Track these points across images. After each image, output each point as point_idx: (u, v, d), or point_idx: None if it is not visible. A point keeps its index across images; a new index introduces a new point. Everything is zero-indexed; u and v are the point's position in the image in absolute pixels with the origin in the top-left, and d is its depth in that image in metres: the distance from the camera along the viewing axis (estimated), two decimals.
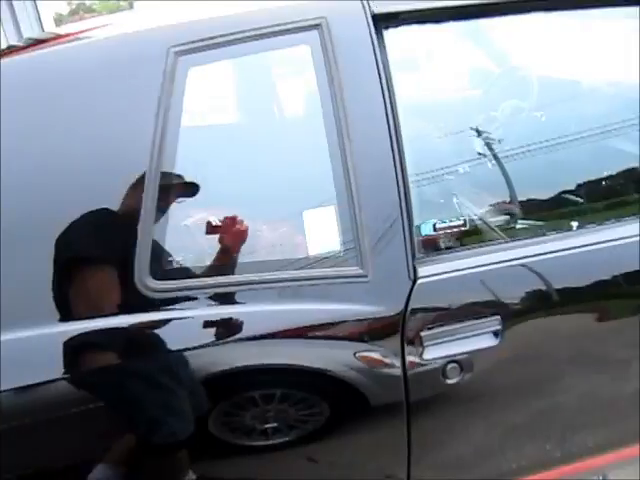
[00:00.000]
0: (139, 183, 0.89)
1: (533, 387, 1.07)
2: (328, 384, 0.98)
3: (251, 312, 0.91)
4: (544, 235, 1.07)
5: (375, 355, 0.99)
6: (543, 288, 1.03)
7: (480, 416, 1.07)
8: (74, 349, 0.88)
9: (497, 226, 1.09)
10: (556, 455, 1.17)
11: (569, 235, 1.08)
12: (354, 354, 0.98)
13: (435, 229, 1.04)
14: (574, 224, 1.12)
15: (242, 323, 0.91)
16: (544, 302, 1.03)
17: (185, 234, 0.96)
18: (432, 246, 1.04)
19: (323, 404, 1.00)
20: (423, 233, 1.03)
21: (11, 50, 1.03)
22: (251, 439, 0.98)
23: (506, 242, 1.06)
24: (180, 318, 0.91)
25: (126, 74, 0.93)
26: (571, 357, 1.07)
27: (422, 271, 0.99)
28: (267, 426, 0.96)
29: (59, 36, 1.06)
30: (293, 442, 1.00)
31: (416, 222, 1.02)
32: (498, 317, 1.00)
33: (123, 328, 0.88)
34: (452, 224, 1.04)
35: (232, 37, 0.93)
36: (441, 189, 1.10)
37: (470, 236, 1.06)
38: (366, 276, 0.96)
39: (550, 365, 1.06)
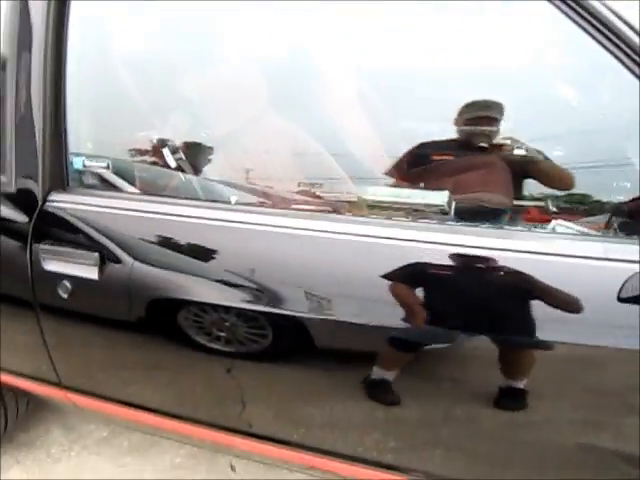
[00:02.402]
0: None
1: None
2: None
3: None
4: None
5: (11, 255, 1.20)
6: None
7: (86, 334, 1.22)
8: None
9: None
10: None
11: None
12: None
13: (84, 165, 1.16)
14: (233, 199, 1.12)
15: None
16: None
17: None
18: (82, 179, 1.18)
19: None
20: (75, 167, 1.17)
21: None
22: None
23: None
24: None
25: None
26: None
27: (55, 197, 1.15)
28: None
29: None
30: None
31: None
32: (97, 254, 1.11)
33: None
34: (96, 164, 1.15)
35: None
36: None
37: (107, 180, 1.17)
38: (11, 186, 1.17)
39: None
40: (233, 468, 1.73)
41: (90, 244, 1.12)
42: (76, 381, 1.30)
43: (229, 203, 1.10)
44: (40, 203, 1.15)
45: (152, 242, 1.07)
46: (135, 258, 1.09)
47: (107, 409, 1.30)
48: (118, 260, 1.10)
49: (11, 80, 1.13)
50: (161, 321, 1.13)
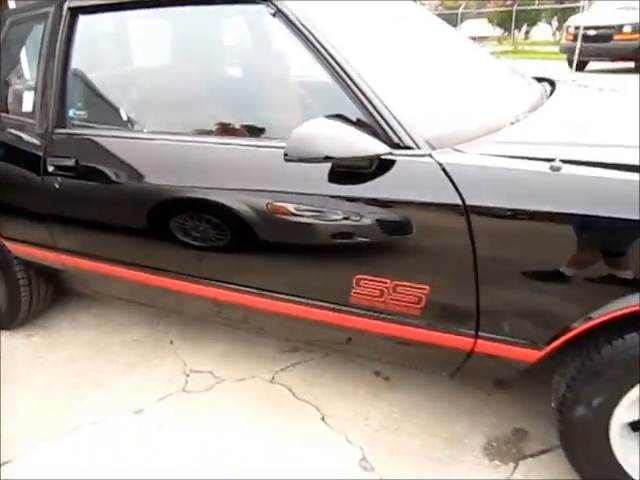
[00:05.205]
0: None
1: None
2: None
3: None
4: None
5: (33, 162, 2.13)
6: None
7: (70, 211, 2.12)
8: None
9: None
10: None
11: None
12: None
13: (74, 114, 2.10)
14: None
15: None
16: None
17: None
18: (73, 122, 2.11)
19: None
20: (69, 115, 2.11)
21: None
22: None
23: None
24: None
25: None
26: None
27: (58, 130, 2.09)
28: None
29: None
30: None
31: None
32: (74, 160, 2.01)
33: None
34: (79, 113, 2.08)
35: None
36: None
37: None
38: (36, 125, 2.13)
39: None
40: (171, 342, 2.55)
41: (71, 155, 2.03)
42: (66, 244, 2.19)
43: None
44: (50, 134, 2.10)
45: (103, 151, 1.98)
46: (92, 160, 1.99)
47: (84, 264, 2.17)
48: (84, 165, 2.01)
49: (43, 69, 2.11)
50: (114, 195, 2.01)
